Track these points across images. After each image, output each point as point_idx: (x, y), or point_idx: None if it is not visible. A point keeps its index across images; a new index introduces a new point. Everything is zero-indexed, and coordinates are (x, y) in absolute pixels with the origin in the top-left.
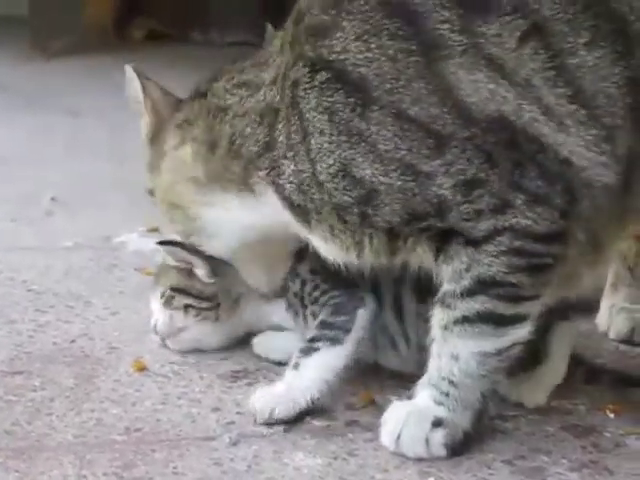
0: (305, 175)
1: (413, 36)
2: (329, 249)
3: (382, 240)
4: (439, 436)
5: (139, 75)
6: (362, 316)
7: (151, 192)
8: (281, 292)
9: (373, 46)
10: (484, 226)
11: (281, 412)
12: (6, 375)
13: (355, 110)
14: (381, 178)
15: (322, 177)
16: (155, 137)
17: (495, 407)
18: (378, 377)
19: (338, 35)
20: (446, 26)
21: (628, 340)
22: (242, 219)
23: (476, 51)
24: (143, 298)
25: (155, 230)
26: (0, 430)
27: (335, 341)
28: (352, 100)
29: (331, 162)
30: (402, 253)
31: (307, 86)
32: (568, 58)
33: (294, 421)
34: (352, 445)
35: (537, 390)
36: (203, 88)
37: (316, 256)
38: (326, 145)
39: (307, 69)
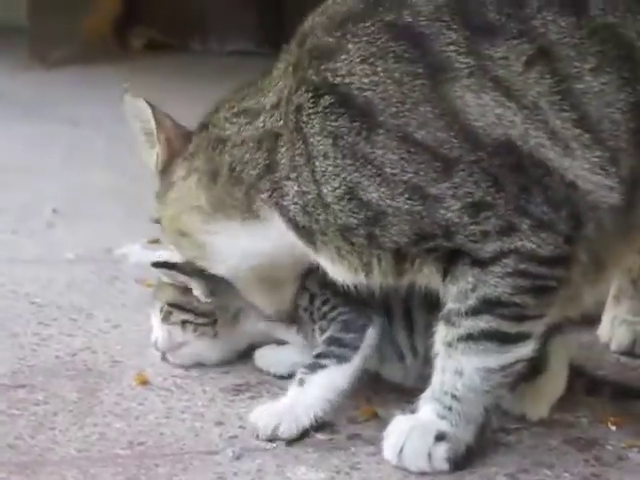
0: (310, 197)
1: (419, 58)
2: (337, 270)
3: (389, 262)
4: (442, 450)
5: (152, 108)
6: (371, 335)
7: (157, 221)
8: (289, 317)
9: (379, 69)
10: (490, 247)
11: (285, 431)
12: (9, 389)
13: (360, 134)
14: (388, 201)
15: (328, 199)
16: (165, 169)
17: (498, 420)
18: (381, 391)
19: (343, 58)
20: (452, 48)
21: (629, 352)
22: (248, 245)
23: (483, 73)
24: (144, 311)
25: (156, 242)
26: (3, 444)
27: (342, 359)
28: (357, 124)
29: (337, 185)
30: (409, 274)
31: (311, 111)
32: (574, 83)
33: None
34: (355, 459)
35: (539, 403)
36: (207, 120)
37: (325, 271)
38: (331, 169)
39: (310, 94)
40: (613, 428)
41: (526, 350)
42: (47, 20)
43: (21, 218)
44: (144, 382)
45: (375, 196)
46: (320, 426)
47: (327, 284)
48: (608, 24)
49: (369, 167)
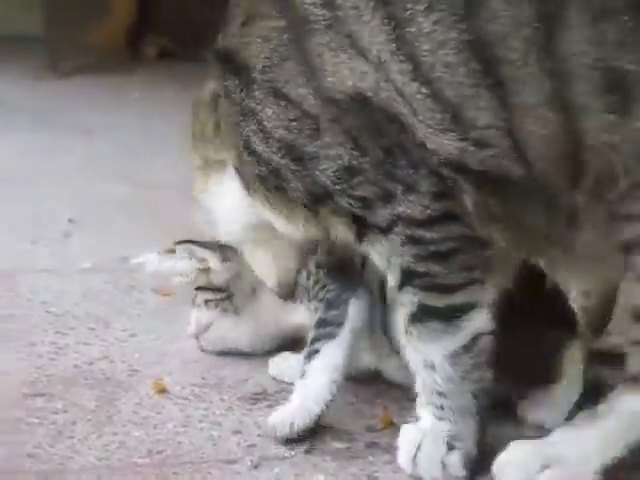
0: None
1: (284, 13)
2: (277, 222)
3: (305, 214)
4: (455, 457)
5: None
6: (354, 305)
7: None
8: (297, 293)
9: (253, 29)
10: (380, 214)
11: (300, 424)
12: (27, 397)
13: (243, 90)
14: (272, 156)
15: (241, 149)
16: None
17: (512, 428)
18: (398, 399)
19: (232, 23)
20: (310, 0)
21: None
22: (234, 201)
23: (339, 26)
24: (161, 319)
25: (172, 251)
26: (23, 453)
27: (331, 337)
28: (237, 81)
29: (240, 138)
30: (331, 229)
31: (217, 74)
32: (407, 27)
33: (314, 436)
34: (372, 467)
35: (557, 412)
36: None
37: (323, 249)
38: (233, 124)
39: (212, 57)
40: None
41: (478, 323)
42: (61, 30)
43: (37, 227)
44: (162, 391)
45: (261, 149)
46: (338, 434)
47: (321, 265)
48: None
49: (254, 121)
